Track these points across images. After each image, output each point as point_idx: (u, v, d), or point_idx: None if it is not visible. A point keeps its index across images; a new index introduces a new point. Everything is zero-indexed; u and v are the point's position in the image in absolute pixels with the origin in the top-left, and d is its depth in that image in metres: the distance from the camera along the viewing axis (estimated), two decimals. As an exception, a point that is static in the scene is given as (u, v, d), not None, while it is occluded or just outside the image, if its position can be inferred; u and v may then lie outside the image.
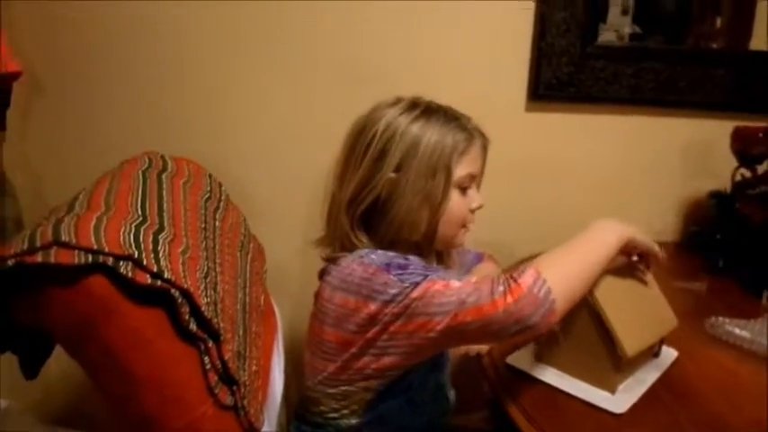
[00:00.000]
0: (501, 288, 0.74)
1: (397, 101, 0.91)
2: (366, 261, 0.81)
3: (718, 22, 1.52)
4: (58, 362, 0.84)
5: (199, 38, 1.36)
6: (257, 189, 1.39)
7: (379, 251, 0.84)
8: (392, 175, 0.86)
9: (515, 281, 0.74)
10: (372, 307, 0.78)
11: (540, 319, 0.73)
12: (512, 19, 1.37)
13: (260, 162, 1.43)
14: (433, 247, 0.93)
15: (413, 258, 0.84)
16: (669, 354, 0.96)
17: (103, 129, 1.43)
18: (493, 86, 1.40)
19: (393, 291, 0.77)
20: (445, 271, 0.90)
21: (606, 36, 1.41)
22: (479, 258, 1.14)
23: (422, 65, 1.38)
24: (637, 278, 0.94)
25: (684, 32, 1.48)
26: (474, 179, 0.92)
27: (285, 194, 1.42)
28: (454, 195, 0.89)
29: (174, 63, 1.38)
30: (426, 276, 0.78)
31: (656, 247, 0.90)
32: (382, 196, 0.86)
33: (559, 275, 0.76)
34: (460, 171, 0.88)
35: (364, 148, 0.87)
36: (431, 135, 0.86)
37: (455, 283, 0.77)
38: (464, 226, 0.93)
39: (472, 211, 0.93)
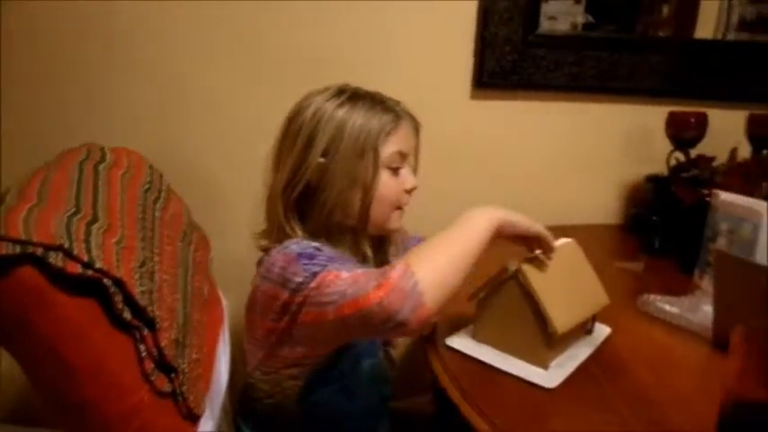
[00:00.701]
0: (374, 282, 0.73)
1: (326, 89, 0.93)
2: (287, 251, 0.83)
3: (665, 10, 1.56)
4: (6, 358, 0.84)
5: (156, 27, 1.36)
6: (206, 180, 1.39)
7: (303, 242, 0.86)
8: (321, 159, 0.88)
9: (385, 274, 0.73)
10: (284, 295, 0.80)
11: (410, 314, 0.71)
12: (455, 9, 1.39)
13: (211, 153, 1.43)
14: (367, 232, 0.94)
15: (325, 248, 0.85)
16: (602, 330, 1.00)
17: (48, 121, 1.41)
18: (438, 75, 1.42)
19: (298, 279, 0.79)
20: (351, 262, 0.90)
21: (560, 24, 1.44)
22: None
23: (368, 55, 1.40)
24: (570, 259, 0.97)
25: (634, 21, 1.53)
26: (404, 158, 0.93)
27: (234, 185, 1.42)
28: (384, 176, 0.91)
29: (126, 57, 1.37)
30: (326, 266, 0.79)
31: (540, 228, 0.88)
32: (313, 182, 0.88)
33: (429, 267, 0.75)
34: (388, 149, 0.90)
35: (294, 135, 0.90)
36: (356, 118, 0.89)
37: (344, 274, 0.77)
38: (398, 208, 0.94)
39: (407, 192, 0.94)
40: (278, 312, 0.82)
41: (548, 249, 0.89)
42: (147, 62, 1.38)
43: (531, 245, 0.90)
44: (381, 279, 0.73)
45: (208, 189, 1.40)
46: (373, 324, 0.73)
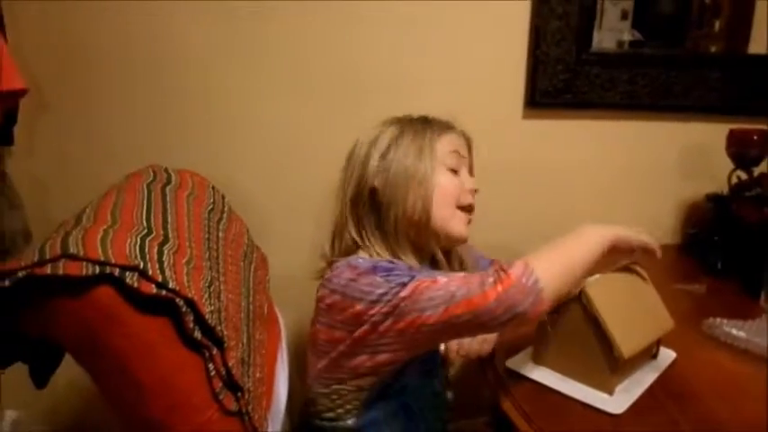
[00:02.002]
0: (491, 279, 0.77)
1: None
2: (353, 264, 0.86)
3: (717, 25, 1.53)
4: (65, 371, 0.87)
5: (202, 53, 1.39)
6: (261, 200, 1.41)
7: (368, 257, 0.90)
8: (381, 161, 0.93)
9: (505, 272, 0.78)
10: (358, 307, 0.81)
11: (529, 307, 0.76)
12: (507, 29, 1.39)
13: (263, 173, 1.46)
14: (432, 243, 0.95)
15: (398, 262, 0.88)
16: (667, 355, 0.98)
17: (107, 143, 1.45)
18: (490, 95, 1.42)
19: (380, 291, 0.80)
20: (430, 270, 0.92)
21: (603, 41, 1.43)
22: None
23: (421, 75, 1.40)
24: (633, 281, 0.95)
25: (683, 37, 1.50)
26: (461, 159, 0.97)
27: (288, 205, 1.44)
28: (443, 173, 0.94)
29: (178, 78, 1.40)
30: (413, 276, 0.81)
31: (649, 239, 0.91)
32: (377, 185, 0.92)
33: (547, 267, 0.79)
34: (444, 147, 0.95)
35: (355, 155, 0.96)
36: (413, 125, 0.97)
37: (442, 279, 0.80)
38: (461, 208, 0.96)
39: (471, 192, 0.97)
40: (349, 323, 0.83)
41: (651, 256, 0.91)
42: (196, 85, 1.41)
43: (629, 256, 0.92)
44: (501, 276, 0.77)
45: (261, 209, 1.42)
46: (483, 321, 0.77)
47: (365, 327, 0.82)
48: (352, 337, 0.83)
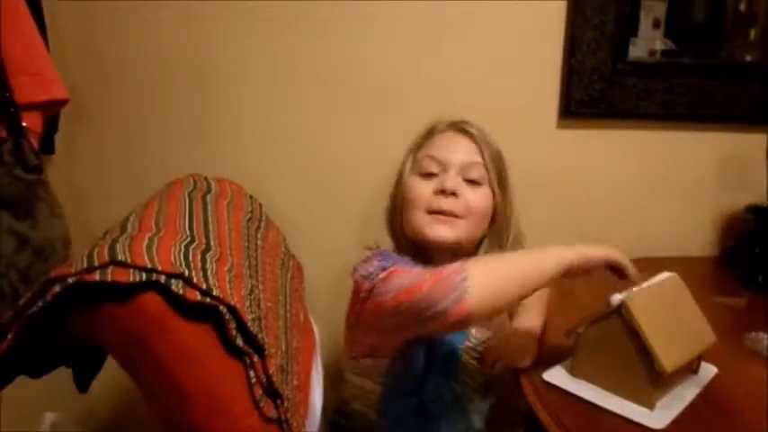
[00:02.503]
0: (429, 273, 0.79)
1: None
2: (368, 253, 0.94)
3: (752, 34, 1.51)
4: (101, 374, 0.88)
5: (239, 64, 1.41)
6: (295, 209, 1.42)
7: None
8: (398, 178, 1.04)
9: (440, 269, 0.80)
10: (357, 281, 0.89)
11: (451, 305, 0.76)
12: (542, 37, 1.39)
13: (297, 183, 1.47)
14: (420, 244, 1.00)
15: (405, 257, 0.94)
16: (709, 370, 0.96)
17: (144, 151, 1.48)
18: (524, 104, 1.42)
19: (370, 269, 0.87)
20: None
21: (638, 50, 1.42)
22: None
23: (455, 84, 1.41)
24: (673, 293, 0.94)
25: (718, 46, 1.48)
26: (441, 165, 0.98)
27: (322, 215, 1.45)
28: (414, 180, 0.99)
29: (215, 88, 1.43)
30: (396, 263, 0.86)
31: (617, 256, 0.90)
32: (396, 200, 1.03)
33: (484, 271, 0.80)
34: (423, 152, 1.00)
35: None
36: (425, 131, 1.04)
37: (413, 271, 0.83)
38: (430, 212, 0.97)
39: (436, 193, 0.97)
40: (355, 298, 0.93)
41: (630, 278, 0.89)
42: (232, 96, 1.43)
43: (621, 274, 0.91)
44: (435, 271, 0.79)
45: (296, 218, 1.43)
46: (418, 311, 0.78)
47: (359, 303, 0.88)
48: (353, 309, 0.91)
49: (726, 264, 1.42)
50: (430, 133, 1.03)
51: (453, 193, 0.96)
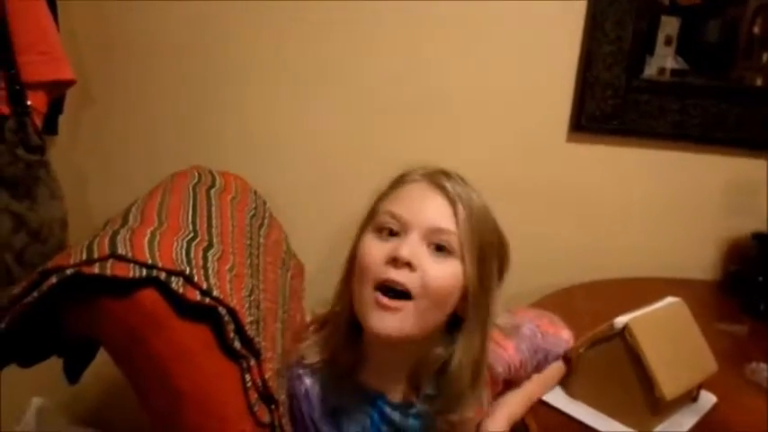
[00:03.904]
0: None
1: None
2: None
3: (765, 58, 1.50)
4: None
5: (249, 60, 1.40)
6: (297, 207, 1.40)
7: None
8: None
9: None
10: None
11: None
12: (558, 49, 1.37)
13: (301, 180, 1.45)
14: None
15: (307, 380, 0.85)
16: (708, 399, 0.95)
17: (149, 140, 1.47)
18: (535, 115, 1.40)
19: None
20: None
21: (649, 68, 1.40)
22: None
23: (466, 88, 1.39)
24: (677, 319, 0.93)
25: (729, 67, 1.47)
26: (399, 223, 0.77)
27: (325, 214, 1.44)
28: (368, 238, 0.78)
29: (223, 82, 1.42)
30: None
31: None
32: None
33: None
34: (383, 206, 0.79)
35: None
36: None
37: None
38: (377, 288, 0.75)
39: (390, 263, 0.75)
40: None
41: None
42: (240, 91, 1.42)
43: None
44: None
45: (298, 216, 1.42)
46: None
47: None
48: None
49: (727, 289, 1.41)
50: (398, 182, 0.81)
51: (408, 264, 0.74)
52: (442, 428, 0.83)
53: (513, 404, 0.90)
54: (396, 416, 0.83)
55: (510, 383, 0.90)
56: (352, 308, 0.79)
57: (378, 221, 0.78)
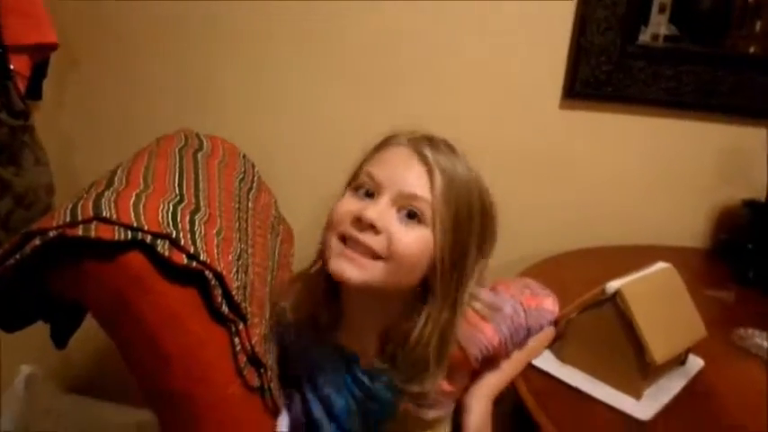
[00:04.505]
0: None
1: None
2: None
3: (758, 26, 1.48)
4: (78, 329, 0.86)
5: (237, 21, 1.36)
6: (287, 172, 1.39)
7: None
8: None
9: None
10: None
11: None
12: (552, 14, 1.34)
13: (291, 145, 1.44)
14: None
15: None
16: (695, 362, 0.95)
17: (136, 103, 1.45)
18: (528, 81, 1.38)
19: None
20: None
21: (643, 34, 1.39)
22: None
23: (459, 55, 1.37)
24: (668, 284, 0.93)
25: (722, 35, 1.45)
26: (378, 187, 0.76)
27: (315, 179, 1.42)
28: (346, 194, 0.79)
29: (210, 43, 1.39)
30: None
31: None
32: None
33: None
34: (365, 166, 0.80)
35: None
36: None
37: None
38: (341, 238, 0.76)
39: (352, 222, 0.75)
40: None
41: None
42: (228, 52, 1.39)
43: None
44: None
45: (288, 181, 1.40)
46: None
47: None
48: None
49: (717, 256, 1.41)
50: (384, 144, 0.81)
51: (372, 227, 0.74)
52: (408, 399, 0.84)
53: (494, 382, 0.90)
54: (366, 380, 0.84)
55: (489, 362, 0.88)
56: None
57: (357, 181, 0.79)
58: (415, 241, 0.75)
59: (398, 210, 0.75)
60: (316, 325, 0.84)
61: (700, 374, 0.94)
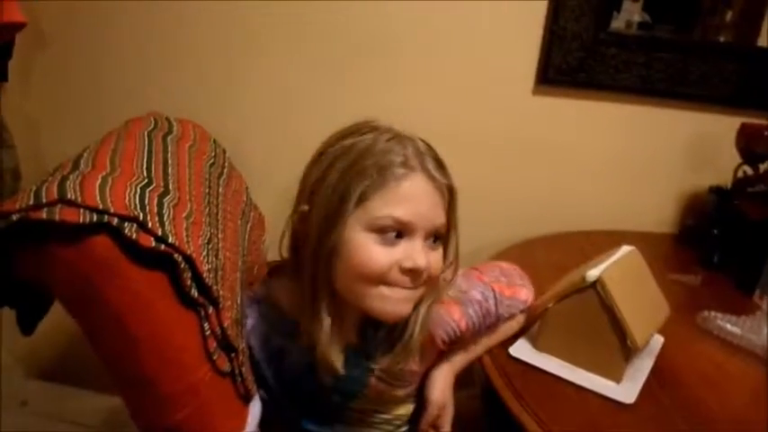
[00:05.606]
0: None
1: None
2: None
3: (729, 15, 1.50)
4: (46, 317, 0.85)
5: (204, 4, 1.34)
6: (260, 158, 1.38)
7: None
8: (305, 207, 0.80)
9: None
10: None
11: None
12: (525, 0, 1.35)
13: (263, 130, 1.42)
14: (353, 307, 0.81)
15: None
16: (657, 340, 0.98)
17: (104, 85, 1.42)
18: (501, 67, 1.39)
19: None
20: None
21: (616, 21, 1.40)
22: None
23: (431, 40, 1.37)
24: (636, 267, 0.95)
25: (694, 24, 1.47)
26: (403, 228, 0.75)
27: (288, 165, 1.40)
28: (366, 241, 0.74)
29: (178, 27, 1.36)
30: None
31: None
32: (307, 204, 0.80)
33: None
34: (375, 204, 0.74)
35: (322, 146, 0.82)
36: (378, 147, 0.76)
37: None
38: (386, 284, 0.75)
39: (404, 272, 0.75)
40: None
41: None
42: (198, 34, 1.38)
43: None
44: None
45: (260, 167, 1.39)
46: None
47: None
48: None
49: (682, 242, 1.44)
50: (391, 175, 0.74)
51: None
52: (378, 377, 0.86)
53: (459, 359, 0.94)
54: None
55: (455, 344, 0.90)
56: (332, 286, 0.78)
57: (378, 224, 0.74)
58: (441, 259, 0.80)
59: (426, 238, 0.77)
60: (282, 310, 0.86)
61: (663, 354, 0.96)
